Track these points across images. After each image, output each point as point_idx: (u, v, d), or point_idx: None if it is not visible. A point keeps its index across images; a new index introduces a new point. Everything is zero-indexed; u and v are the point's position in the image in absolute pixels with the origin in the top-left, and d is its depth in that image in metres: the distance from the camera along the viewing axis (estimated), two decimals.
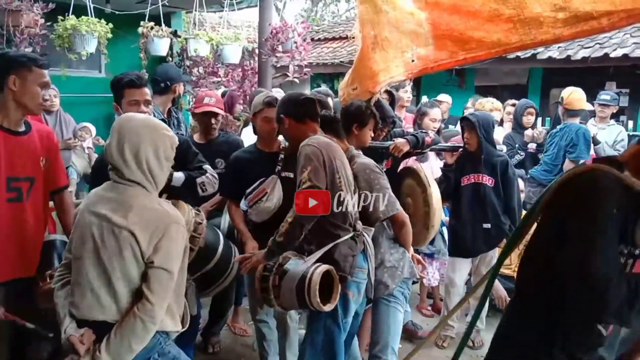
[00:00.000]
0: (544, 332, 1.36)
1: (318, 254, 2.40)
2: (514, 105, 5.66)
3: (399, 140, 3.49)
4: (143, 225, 1.84)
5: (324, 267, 2.35)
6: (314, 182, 2.35)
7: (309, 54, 11.04)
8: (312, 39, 12.30)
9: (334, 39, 12.40)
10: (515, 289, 1.61)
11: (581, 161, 4.57)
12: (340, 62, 10.15)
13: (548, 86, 9.26)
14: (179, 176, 2.76)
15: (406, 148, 3.45)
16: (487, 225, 3.65)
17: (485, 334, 3.98)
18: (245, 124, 4.94)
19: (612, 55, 7.03)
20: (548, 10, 2.22)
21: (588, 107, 4.90)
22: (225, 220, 3.32)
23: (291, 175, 2.89)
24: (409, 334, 3.85)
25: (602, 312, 1.17)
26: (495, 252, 3.82)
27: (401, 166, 3.70)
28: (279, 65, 5.92)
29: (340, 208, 2.43)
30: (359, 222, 2.57)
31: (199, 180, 2.86)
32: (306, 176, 2.36)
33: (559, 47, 7.73)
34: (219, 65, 6.48)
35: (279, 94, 4.36)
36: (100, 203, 1.91)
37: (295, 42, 5.50)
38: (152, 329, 1.84)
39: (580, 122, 4.86)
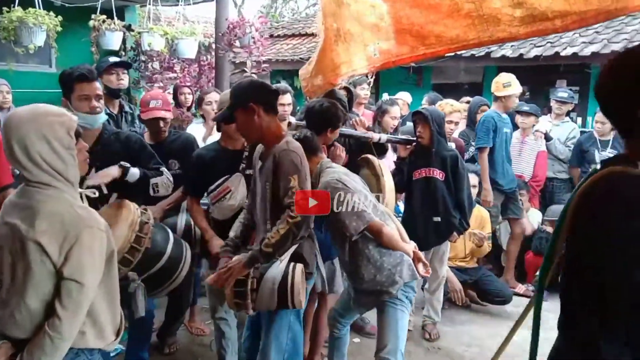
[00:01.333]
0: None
1: (289, 253, 2.40)
2: (468, 102, 5.77)
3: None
4: (52, 234, 1.65)
5: (300, 266, 2.39)
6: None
7: (268, 50, 11.03)
8: (272, 36, 12.24)
9: (293, 35, 12.35)
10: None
11: (487, 147, 4.67)
12: (300, 58, 10.10)
13: None
14: (135, 172, 2.69)
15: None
16: (437, 219, 3.69)
17: (442, 326, 4.05)
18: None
19: (562, 53, 7.25)
20: (506, 6, 2.25)
21: (511, 92, 4.91)
22: (182, 219, 3.24)
23: None
24: (357, 328, 3.87)
25: None
26: (447, 246, 3.89)
27: None
28: (237, 62, 5.83)
29: None
30: None
31: (152, 180, 2.80)
32: (296, 185, 2.33)
33: (512, 46, 7.91)
34: (175, 61, 6.33)
35: None
36: (13, 211, 1.73)
37: (253, 38, 5.44)
38: (62, 346, 1.69)
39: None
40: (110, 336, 1.88)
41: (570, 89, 8.31)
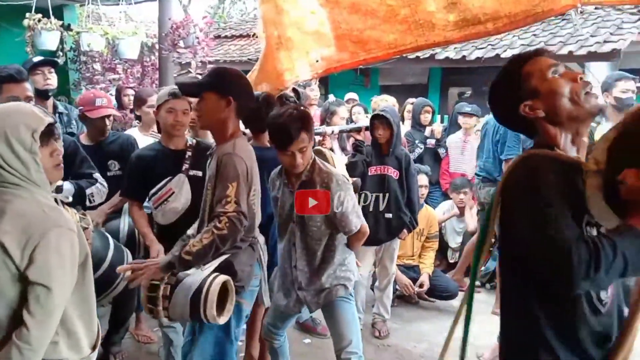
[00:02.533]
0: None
1: (215, 263, 2.24)
2: (412, 104, 5.90)
3: None
4: (15, 234, 1.55)
5: (222, 277, 2.20)
6: (238, 206, 2.17)
7: (216, 51, 10.91)
8: (219, 36, 12.12)
9: (241, 36, 12.24)
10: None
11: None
12: (248, 59, 10.03)
13: (447, 85, 9.75)
14: (68, 188, 2.59)
15: None
16: (389, 215, 3.78)
17: (391, 323, 4.11)
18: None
19: (502, 55, 7.51)
20: (440, 11, 2.32)
21: None
22: (124, 223, 3.15)
23: (199, 173, 2.77)
24: (307, 329, 3.90)
25: (572, 277, 1.20)
26: (397, 244, 3.97)
27: None
28: (183, 63, 5.74)
29: (252, 220, 2.33)
30: (257, 229, 2.49)
31: (88, 191, 2.71)
32: (232, 196, 2.17)
33: (455, 48, 8.14)
34: (117, 61, 6.17)
35: None
36: None
37: (197, 38, 5.36)
38: (32, 358, 1.58)
39: None
40: (86, 349, 1.76)
41: None
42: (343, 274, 2.63)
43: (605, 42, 6.87)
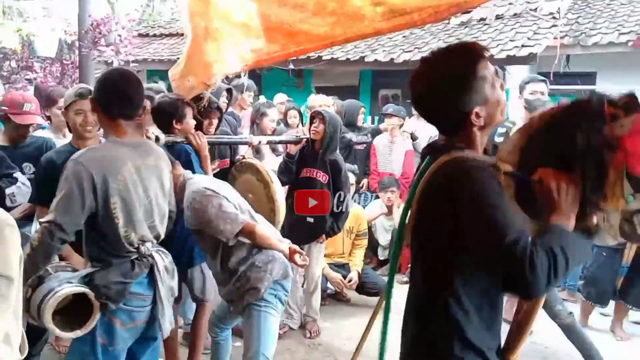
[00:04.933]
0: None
1: (79, 275, 2.13)
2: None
3: None
4: None
5: (75, 289, 2.07)
6: (55, 216, 1.99)
7: (144, 50, 10.56)
8: (148, 35, 11.76)
9: (171, 35, 11.91)
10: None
11: None
12: (178, 58, 9.78)
13: (377, 87, 9.95)
14: None
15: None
16: (310, 219, 3.77)
17: (322, 322, 4.12)
18: None
19: None
20: (367, 5, 2.35)
21: None
22: (35, 230, 2.95)
23: None
24: (238, 332, 3.82)
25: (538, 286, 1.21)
26: (321, 247, 3.97)
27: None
28: (109, 61, 5.50)
29: (116, 236, 2.12)
30: (148, 244, 2.25)
31: (8, 191, 2.53)
32: (54, 205, 2.01)
33: (383, 51, 8.33)
34: (34, 59, 5.82)
35: None
36: None
37: (120, 36, 5.15)
38: None
39: None
40: (17, 352, 1.64)
41: None
42: (254, 277, 2.56)
43: (523, 46, 7.25)
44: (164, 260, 2.29)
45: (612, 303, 4.15)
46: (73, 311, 2.14)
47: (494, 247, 1.22)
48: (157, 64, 9.98)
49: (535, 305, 1.45)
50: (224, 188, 2.69)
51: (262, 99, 5.66)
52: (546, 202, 1.28)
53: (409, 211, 1.49)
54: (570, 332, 3.32)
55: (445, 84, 1.40)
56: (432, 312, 1.41)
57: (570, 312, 3.36)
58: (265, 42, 2.59)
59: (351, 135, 5.62)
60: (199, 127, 3.19)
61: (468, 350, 1.36)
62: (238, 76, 3.19)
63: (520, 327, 1.48)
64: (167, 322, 2.30)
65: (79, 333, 2.10)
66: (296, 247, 2.72)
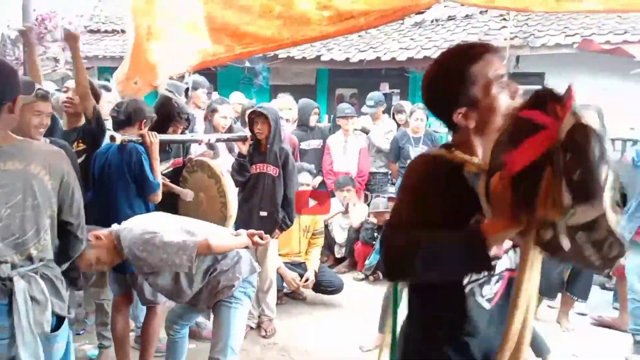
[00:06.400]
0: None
1: None
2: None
3: None
4: None
5: None
6: None
7: (95, 47, 10.26)
8: (99, 31, 11.44)
9: (122, 31, 11.62)
10: None
11: None
12: None
13: (334, 86, 10.00)
14: None
15: None
16: (263, 213, 3.79)
17: (278, 321, 4.12)
18: None
19: (383, 58, 7.86)
20: (314, 9, 2.36)
21: None
22: None
23: None
24: (192, 333, 3.80)
25: (387, 262, 1.27)
26: (275, 242, 3.98)
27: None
28: (57, 58, 5.31)
29: None
30: (5, 266, 1.92)
31: None
32: None
33: (339, 50, 8.38)
34: None
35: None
36: None
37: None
38: None
39: None
40: None
41: (393, 92, 9.10)
42: (224, 280, 2.60)
43: None
44: (32, 287, 1.93)
45: (558, 295, 4.31)
46: None
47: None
48: (109, 61, 9.75)
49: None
50: (159, 221, 2.61)
51: (215, 95, 5.61)
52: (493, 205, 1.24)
53: None
54: None
55: (433, 82, 1.40)
56: (409, 308, 1.46)
57: None
58: (211, 43, 2.57)
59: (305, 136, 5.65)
60: (163, 131, 3.19)
61: (428, 339, 1.40)
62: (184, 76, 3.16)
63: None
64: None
65: None
66: (251, 230, 2.74)
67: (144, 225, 2.51)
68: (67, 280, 2.19)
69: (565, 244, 1.08)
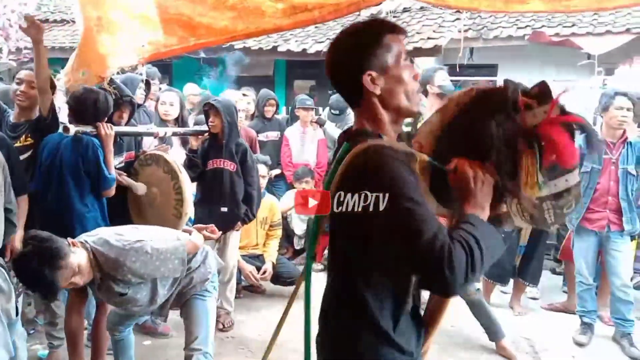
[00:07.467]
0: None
1: None
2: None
3: None
4: None
5: None
6: None
7: (43, 37, 9.86)
8: (48, 20, 11.01)
9: (72, 21, 11.22)
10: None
11: None
12: None
13: (292, 77, 9.97)
14: None
15: None
16: (224, 209, 3.77)
17: (237, 315, 4.11)
18: None
19: None
20: (267, 1, 2.35)
21: None
22: None
23: None
24: (148, 330, 3.75)
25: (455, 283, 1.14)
26: (235, 236, 3.96)
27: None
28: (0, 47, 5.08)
29: None
30: None
31: None
32: None
33: (296, 41, 8.35)
34: None
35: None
36: None
37: (9, 20, 4.78)
38: None
39: None
40: None
41: None
42: (197, 277, 2.64)
43: (428, 38, 7.54)
44: None
45: (511, 281, 4.46)
46: None
47: (410, 245, 1.16)
48: (58, 52, 9.37)
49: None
50: (126, 230, 2.54)
51: (164, 86, 5.51)
52: (460, 192, 1.27)
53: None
54: (477, 308, 3.54)
55: (344, 43, 1.38)
56: (348, 302, 1.35)
57: (478, 289, 3.59)
58: (163, 35, 2.52)
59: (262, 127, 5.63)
60: (108, 119, 3.09)
61: (382, 343, 1.32)
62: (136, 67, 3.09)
63: (433, 316, 1.47)
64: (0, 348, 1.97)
65: None
66: (199, 225, 2.79)
67: (127, 235, 2.41)
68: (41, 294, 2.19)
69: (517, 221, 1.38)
